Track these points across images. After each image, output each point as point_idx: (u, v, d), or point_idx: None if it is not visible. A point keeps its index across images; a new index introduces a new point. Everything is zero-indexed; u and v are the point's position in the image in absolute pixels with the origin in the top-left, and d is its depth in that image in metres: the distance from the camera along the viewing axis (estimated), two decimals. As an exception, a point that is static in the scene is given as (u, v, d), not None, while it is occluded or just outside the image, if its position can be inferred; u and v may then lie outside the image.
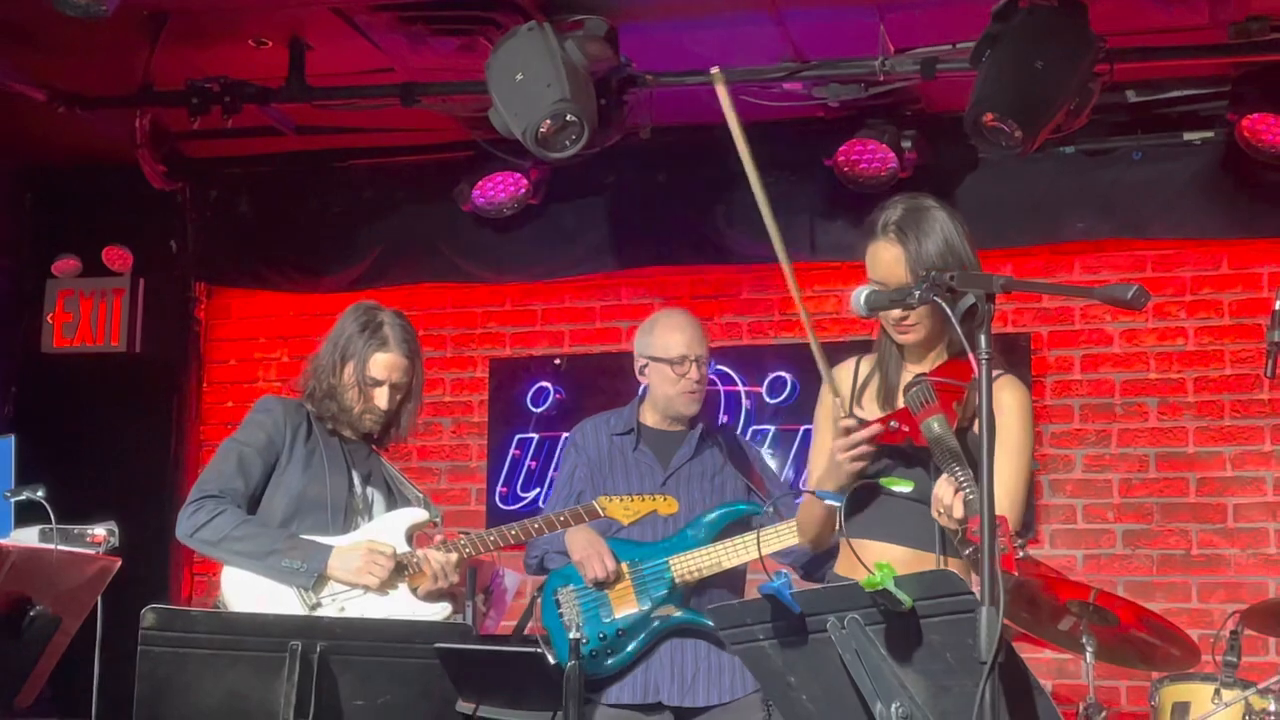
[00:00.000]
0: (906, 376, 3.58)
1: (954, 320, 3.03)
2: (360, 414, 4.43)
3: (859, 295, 3.39)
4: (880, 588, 2.86)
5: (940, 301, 3.09)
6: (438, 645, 3.47)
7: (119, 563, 4.14)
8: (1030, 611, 5.23)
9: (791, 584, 3.05)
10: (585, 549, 4.85)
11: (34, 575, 3.92)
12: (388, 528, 4.38)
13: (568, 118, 5.60)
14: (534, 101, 5.57)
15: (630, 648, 4.86)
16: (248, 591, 4.19)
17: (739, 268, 7.12)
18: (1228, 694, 4.74)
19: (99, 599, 4.16)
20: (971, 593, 2.84)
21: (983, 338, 2.96)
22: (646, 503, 4.68)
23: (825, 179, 6.65)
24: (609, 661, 4.85)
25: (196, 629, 3.56)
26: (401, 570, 4.27)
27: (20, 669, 3.99)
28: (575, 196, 7.12)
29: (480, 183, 6.98)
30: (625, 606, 4.86)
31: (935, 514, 3.29)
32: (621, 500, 4.66)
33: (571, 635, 4.17)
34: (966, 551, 3.17)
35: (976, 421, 3.45)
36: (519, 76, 5.59)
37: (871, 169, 6.53)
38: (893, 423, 3.47)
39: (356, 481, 4.43)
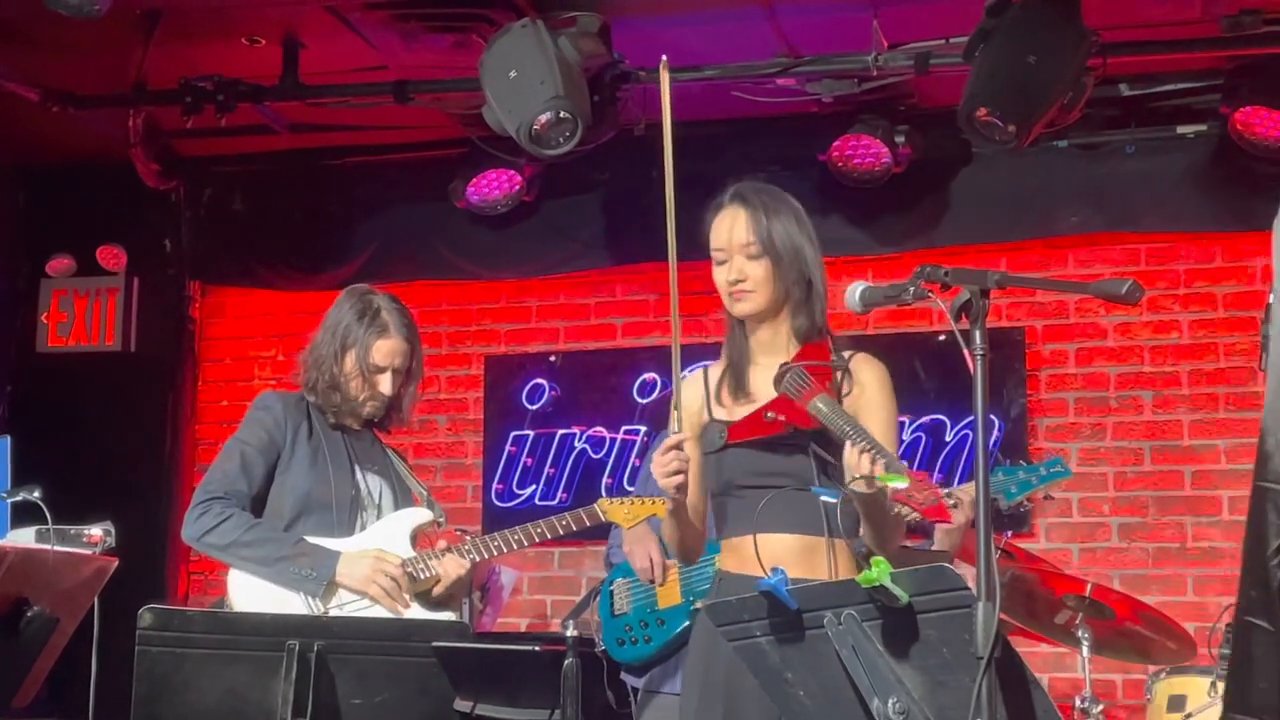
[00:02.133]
0: (759, 370, 3.61)
1: (949, 315, 3.03)
2: (364, 401, 4.42)
3: (853, 292, 3.39)
4: (877, 584, 2.87)
5: (934, 296, 3.10)
6: (435, 644, 3.47)
7: (115, 562, 4.15)
8: (1026, 606, 5.24)
9: (788, 580, 3.06)
10: (636, 542, 4.93)
11: (31, 576, 3.93)
12: (393, 529, 4.36)
13: (561, 114, 5.60)
14: (527, 98, 5.58)
15: (669, 636, 4.90)
16: (254, 596, 4.18)
17: (733, 263, 7.12)
18: (1224, 687, 4.74)
19: (96, 599, 4.17)
20: (968, 588, 2.84)
21: (977, 333, 2.96)
22: (646, 506, 4.66)
23: (819, 174, 6.65)
24: (649, 645, 4.91)
25: (194, 628, 3.56)
26: (410, 578, 4.27)
27: (18, 669, 4.00)
28: (569, 193, 7.13)
29: (474, 180, 6.98)
30: (670, 599, 4.93)
31: (849, 481, 3.27)
32: (623, 503, 4.65)
33: (570, 632, 4.18)
34: (894, 511, 3.20)
35: (844, 400, 3.53)
36: (512, 73, 5.59)
37: (865, 164, 6.54)
38: (769, 414, 3.49)
39: (360, 477, 4.41)
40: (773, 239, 3.60)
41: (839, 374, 3.54)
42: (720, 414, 3.64)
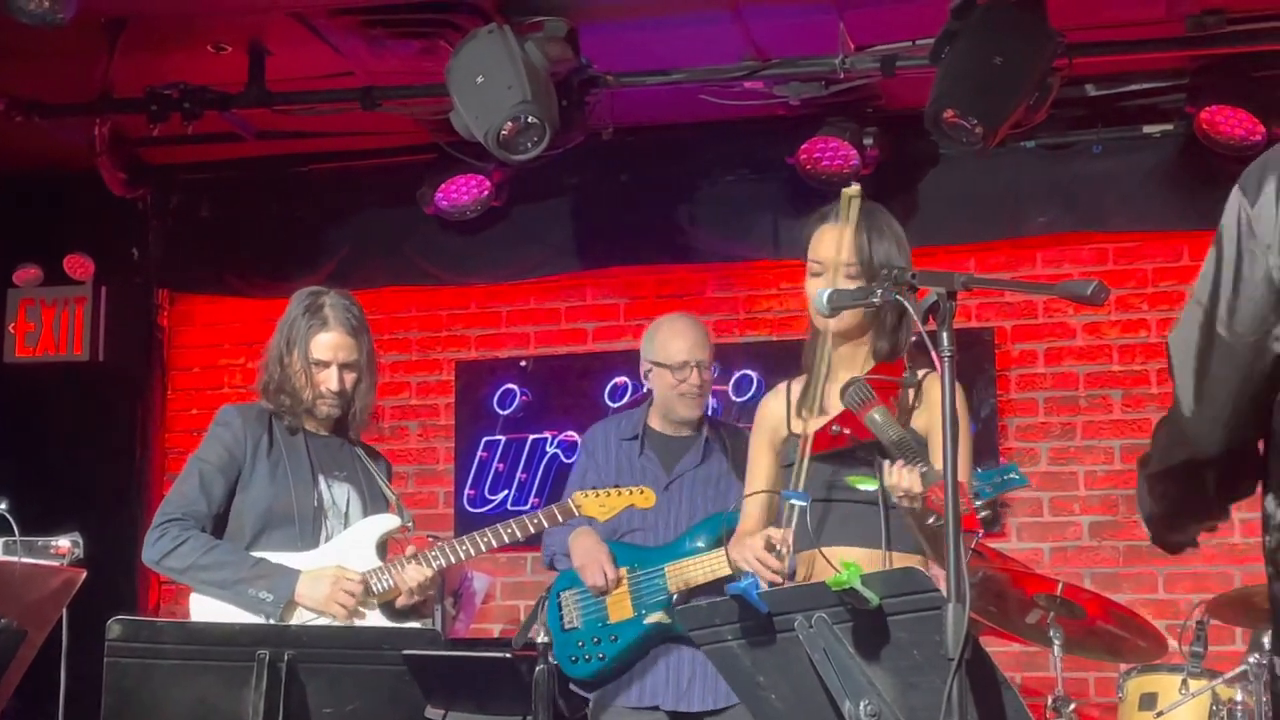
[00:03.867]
0: (835, 386, 3.63)
1: (917, 317, 3.04)
2: (313, 399, 4.37)
3: (821, 295, 3.41)
4: (847, 586, 2.87)
5: (903, 299, 3.11)
6: (405, 652, 3.46)
7: (83, 574, 4.12)
8: (998, 605, 5.25)
9: (759, 584, 3.06)
10: (586, 556, 4.90)
11: (-2, 588, 3.90)
12: (358, 539, 4.34)
13: (529, 119, 5.59)
14: (495, 104, 5.57)
15: (622, 652, 4.89)
16: (215, 619, 4.15)
17: (703, 267, 7.14)
18: (1194, 684, 4.77)
19: (64, 611, 4.14)
20: (938, 589, 2.85)
21: (945, 335, 2.96)
22: (623, 497, 4.64)
23: (788, 177, 6.66)
24: (603, 663, 4.88)
25: (163, 639, 3.55)
26: (371, 591, 4.25)
27: (-14, 682, 3.97)
28: (539, 198, 7.12)
29: (443, 185, 6.97)
30: (621, 613, 4.90)
31: (897, 500, 3.31)
32: (597, 496, 4.62)
33: (542, 639, 4.17)
34: (929, 520, 3.21)
35: (915, 416, 3.57)
36: (479, 79, 5.58)
37: (834, 166, 6.54)
38: (834, 428, 3.51)
39: (324, 486, 4.38)
40: (873, 262, 3.58)
41: (909, 391, 3.54)
42: (798, 428, 3.66)
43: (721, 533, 4.86)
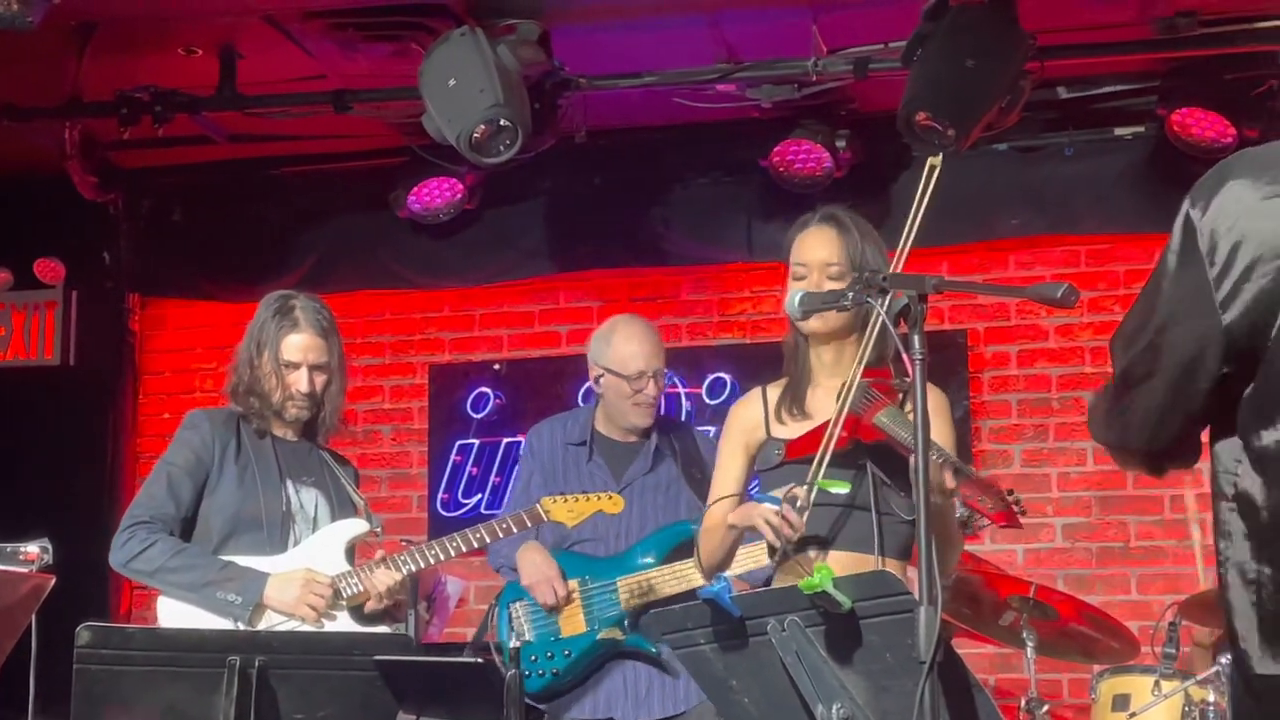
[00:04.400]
0: (819, 391, 3.63)
1: (887, 321, 3.04)
2: (283, 402, 4.36)
3: (793, 298, 3.42)
4: (819, 590, 2.87)
5: (873, 303, 3.11)
6: (377, 657, 3.45)
7: (52, 580, 4.09)
8: (972, 608, 5.27)
9: (731, 588, 3.06)
10: (535, 574, 4.84)
11: (-34, 595, 3.87)
12: (327, 543, 4.33)
13: (501, 123, 5.58)
14: (467, 107, 5.55)
15: (575, 666, 4.85)
16: (184, 622, 4.14)
17: (677, 269, 7.13)
18: (1167, 685, 4.78)
19: (34, 617, 4.11)
20: (909, 593, 2.85)
21: (916, 338, 2.97)
22: (591, 502, 4.62)
23: (761, 180, 6.67)
24: (556, 678, 4.85)
25: (133, 646, 3.52)
26: (340, 594, 4.23)
27: (-46, 690, 3.94)
28: (511, 201, 7.11)
29: (416, 189, 6.96)
30: (573, 628, 4.84)
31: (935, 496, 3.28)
32: (566, 501, 4.60)
33: (511, 644, 4.15)
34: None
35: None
36: (451, 82, 5.56)
37: (807, 169, 6.56)
38: (840, 432, 3.49)
39: (291, 491, 4.36)
40: (857, 263, 3.60)
41: (902, 396, 3.54)
42: (779, 432, 3.65)
43: (674, 547, 4.84)
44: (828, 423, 3.46)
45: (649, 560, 4.85)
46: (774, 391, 3.75)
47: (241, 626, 4.12)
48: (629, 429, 5.03)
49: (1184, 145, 6.15)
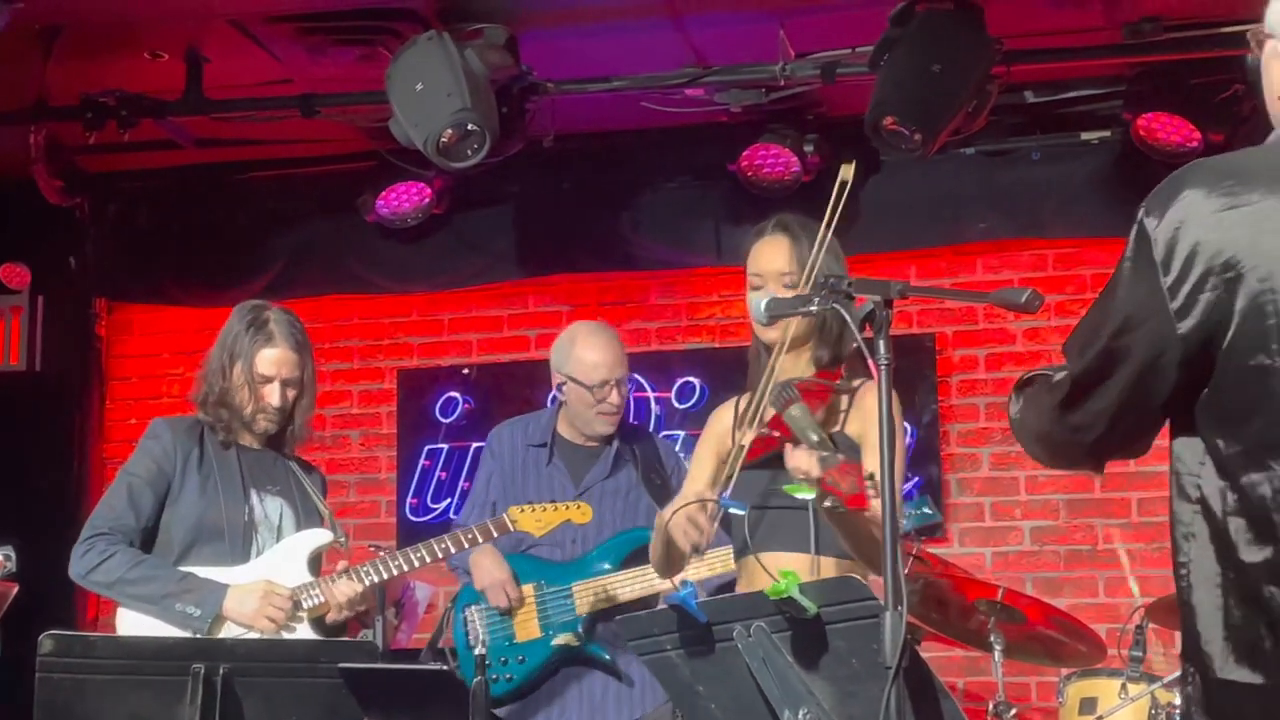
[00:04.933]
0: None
1: (854, 326, 3.04)
2: (254, 414, 4.34)
3: (759, 303, 3.42)
4: (785, 595, 2.87)
5: (839, 308, 3.11)
6: (342, 665, 3.43)
7: (15, 588, 4.08)
8: (940, 611, 5.27)
9: (697, 594, 3.05)
10: (488, 578, 4.82)
11: (-71, 603, 3.85)
12: (289, 553, 4.30)
13: (469, 127, 5.57)
14: (435, 111, 5.55)
15: (530, 672, 4.83)
16: (145, 631, 4.12)
17: (646, 274, 7.13)
18: (1134, 688, 4.80)
19: (-3, 624, 4.10)
20: (875, 598, 2.85)
21: (881, 343, 2.97)
22: (560, 512, 4.60)
23: (729, 184, 6.67)
24: (510, 684, 4.83)
25: (96, 654, 3.51)
26: (300, 606, 4.21)
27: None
28: (480, 205, 7.10)
29: (384, 193, 6.94)
30: (528, 632, 4.83)
31: (799, 480, 3.29)
32: (534, 511, 4.58)
33: (476, 651, 4.14)
34: (826, 504, 3.23)
35: (848, 423, 3.59)
36: (419, 86, 5.56)
37: (775, 173, 6.56)
38: (763, 430, 3.50)
39: (255, 500, 4.34)
40: (811, 270, 3.59)
41: (842, 398, 3.54)
42: (740, 439, 3.65)
43: (631, 553, 4.83)
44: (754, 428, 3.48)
45: (606, 566, 4.84)
46: (744, 400, 3.77)
47: (208, 637, 4.09)
48: (592, 436, 5.02)
49: (1150, 149, 6.17)
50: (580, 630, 4.79)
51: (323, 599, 4.23)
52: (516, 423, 5.20)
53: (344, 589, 4.21)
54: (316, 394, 4.50)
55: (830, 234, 3.68)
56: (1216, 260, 2.31)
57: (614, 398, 4.92)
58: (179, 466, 4.29)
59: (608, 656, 4.80)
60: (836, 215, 3.58)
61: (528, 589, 4.83)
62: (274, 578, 4.22)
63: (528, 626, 4.83)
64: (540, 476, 5.00)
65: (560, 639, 4.79)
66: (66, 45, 5.96)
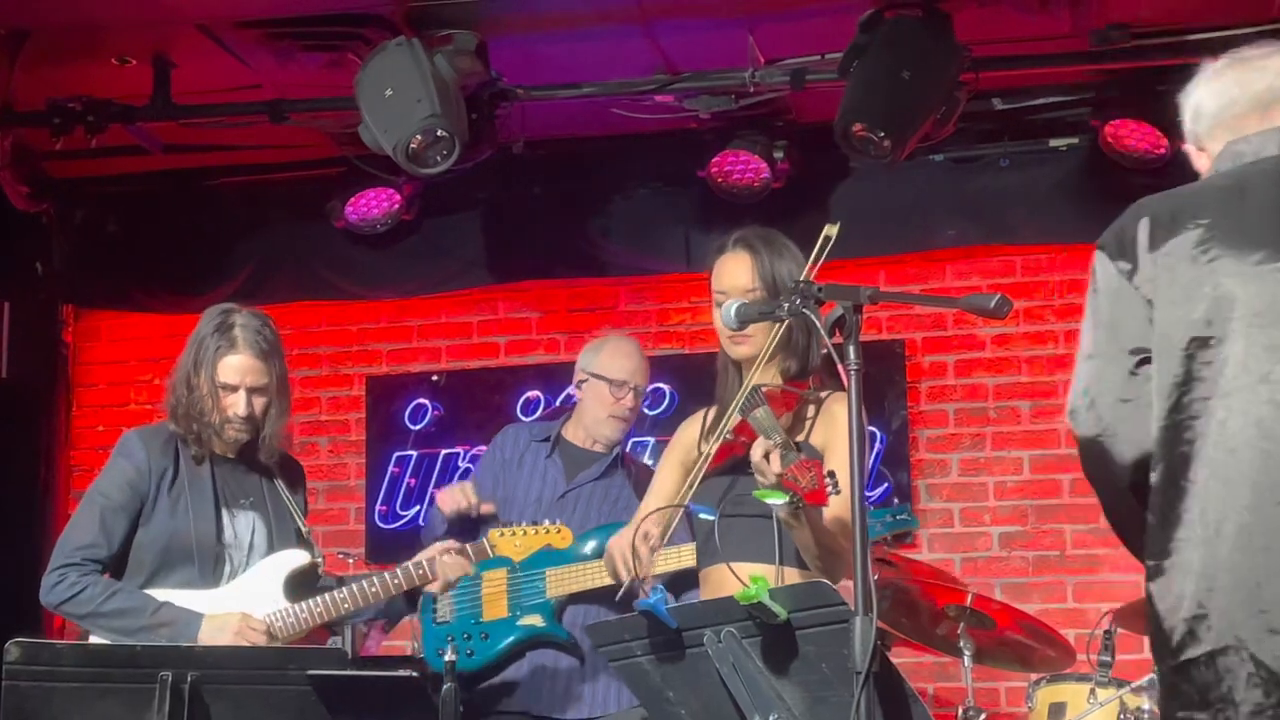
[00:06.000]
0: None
1: (823, 331, 3.05)
2: (221, 424, 4.21)
3: (729, 308, 3.43)
4: (755, 601, 2.87)
5: (809, 313, 3.13)
6: (310, 672, 3.42)
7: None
8: (909, 617, 5.29)
9: (667, 599, 3.06)
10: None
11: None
12: (265, 576, 4.21)
13: (438, 133, 5.57)
14: (404, 117, 5.54)
15: (492, 651, 4.84)
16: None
17: (615, 280, 7.13)
18: (1102, 693, 4.82)
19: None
20: (845, 603, 2.85)
21: (851, 349, 2.98)
22: (540, 536, 4.55)
23: (699, 190, 6.67)
24: (471, 659, 4.82)
25: (63, 662, 3.49)
26: (274, 636, 4.13)
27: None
28: (450, 211, 7.08)
29: (353, 199, 6.91)
30: (495, 612, 4.86)
31: (759, 478, 3.31)
32: (513, 535, 4.53)
33: (447, 658, 4.12)
34: (785, 500, 3.25)
35: (813, 432, 3.62)
36: (388, 92, 5.55)
37: (745, 180, 6.56)
38: (729, 435, 3.52)
39: (226, 520, 4.24)
40: (775, 285, 3.64)
41: (809, 406, 3.56)
42: (706, 448, 3.66)
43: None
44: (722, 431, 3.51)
45: (584, 553, 4.84)
46: (714, 413, 3.79)
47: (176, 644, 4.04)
48: (598, 439, 5.08)
49: (1118, 156, 6.20)
50: (549, 612, 4.80)
51: (299, 625, 4.16)
52: (523, 425, 5.38)
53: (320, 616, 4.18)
54: (290, 400, 4.40)
55: (793, 248, 3.71)
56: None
57: (629, 401, 5.05)
58: (153, 486, 4.19)
59: (567, 637, 4.80)
60: (817, 266, 3.58)
61: (500, 572, 4.85)
62: (247, 603, 4.14)
63: (496, 605, 4.85)
64: (535, 468, 5.07)
65: (526, 619, 4.80)
66: (33, 50, 5.93)
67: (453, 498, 4.86)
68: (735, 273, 3.71)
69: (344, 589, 4.22)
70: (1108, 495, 2.81)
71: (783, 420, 3.46)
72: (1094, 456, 2.77)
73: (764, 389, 3.47)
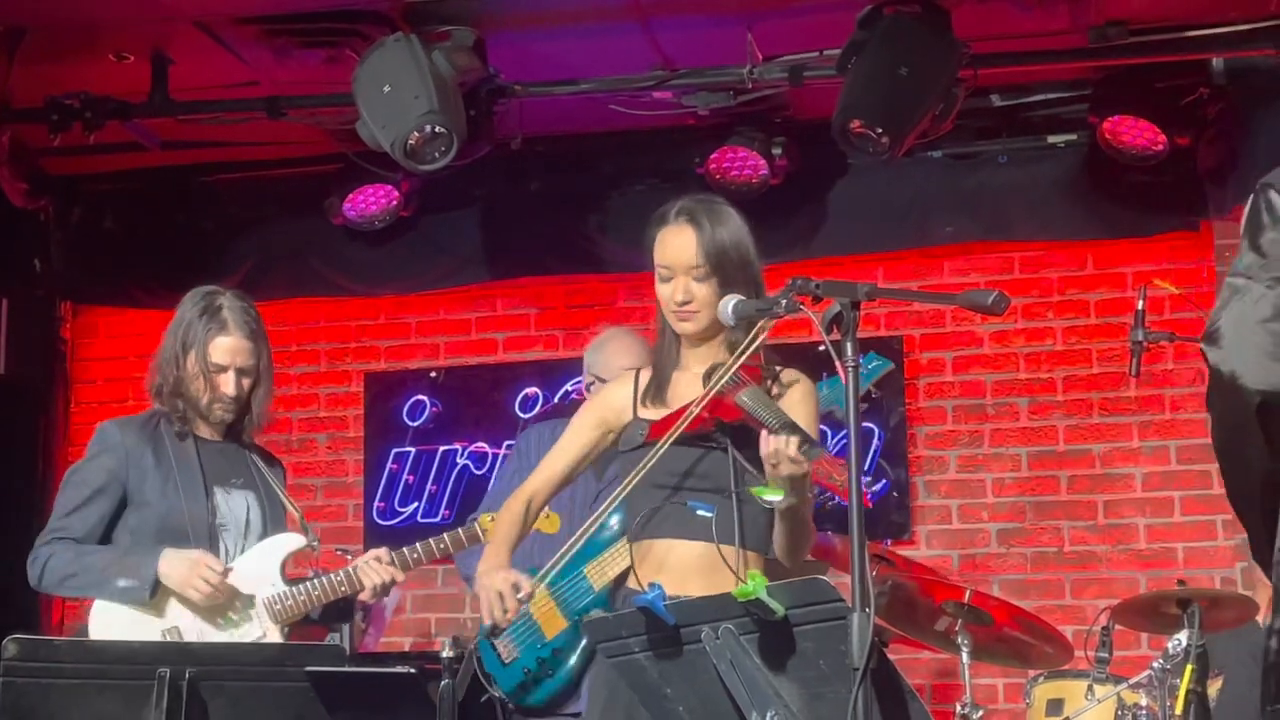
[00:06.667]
0: (686, 376, 3.61)
1: (821, 328, 3.05)
2: (210, 404, 4.25)
3: (725, 305, 3.42)
4: (753, 597, 2.87)
5: (808, 310, 3.12)
6: (309, 669, 3.41)
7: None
8: (907, 614, 5.28)
9: (665, 595, 3.05)
10: (484, 593, 4.79)
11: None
12: (262, 558, 4.23)
13: (436, 129, 5.57)
14: (402, 113, 5.54)
15: (570, 663, 4.77)
16: (110, 621, 4.10)
17: (613, 276, 7.12)
18: (1100, 690, 4.81)
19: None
20: (842, 599, 2.85)
21: (849, 345, 2.97)
22: None
23: (697, 187, 6.63)
24: (552, 679, 4.79)
25: (61, 658, 3.47)
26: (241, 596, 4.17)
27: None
28: (447, 208, 7.08)
29: (351, 195, 6.91)
30: (555, 626, 4.79)
31: (770, 467, 3.28)
32: None
33: (445, 654, 4.09)
34: (783, 497, 3.25)
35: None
36: (386, 88, 5.55)
37: (743, 176, 6.56)
38: (693, 408, 3.48)
39: (220, 498, 4.27)
40: (721, 261, 3.56)
41: (769, 381, 3.54)
42: (645, 414, 3.62)
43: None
44: (690, 404, 3.46)
45: (608, 537, 4.80)
46: (646, 375, 3.72)
47: (149, 612, 4.07)
48: None
49: (1115, 153, 6.20)
50: (607, 604, 4.77)
51: (295, 605, 4.18)
52: (545, 424, 5.22)
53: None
54: (274, 381, 4.43)
55: (736, 215, 3.67)
56: None
57: None
58: (134, 475, 4.21)
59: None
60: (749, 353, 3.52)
61: (540, 591, 4.79)
62: (246, 585, 4.17)
63: (553, 621, 4.78)
64: None
65: (589, 618, 4.76)
66: (31, 47, 5.93)
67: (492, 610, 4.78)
68: (680, 248, 3.59)
69: (341, 574, 4.23)
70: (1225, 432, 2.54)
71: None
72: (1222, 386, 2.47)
73: (739, 367, 3.44)
